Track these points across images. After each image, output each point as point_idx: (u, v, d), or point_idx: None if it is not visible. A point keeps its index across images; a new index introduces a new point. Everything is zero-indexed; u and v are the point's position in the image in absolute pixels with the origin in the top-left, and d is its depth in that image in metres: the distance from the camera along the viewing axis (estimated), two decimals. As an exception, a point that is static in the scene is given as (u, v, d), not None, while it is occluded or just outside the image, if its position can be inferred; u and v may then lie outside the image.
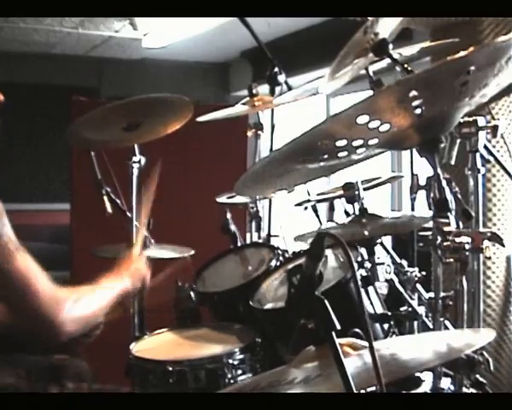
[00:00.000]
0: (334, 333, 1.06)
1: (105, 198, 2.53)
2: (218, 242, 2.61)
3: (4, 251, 1.49)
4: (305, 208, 2.64)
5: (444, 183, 1.36)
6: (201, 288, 2.35)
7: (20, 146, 5.99)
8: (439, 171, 1.35)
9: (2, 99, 1.67)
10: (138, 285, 1.99)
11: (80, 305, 1.64)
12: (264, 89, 2.67)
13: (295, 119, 5.06)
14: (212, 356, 1.92)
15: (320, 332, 1.09)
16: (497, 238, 1.54)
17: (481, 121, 1.74)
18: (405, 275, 2.04)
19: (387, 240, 2.39)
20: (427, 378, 1.77)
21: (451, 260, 1.45)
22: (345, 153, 1.24)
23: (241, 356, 1.92)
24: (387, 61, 1.84)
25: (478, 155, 1.79)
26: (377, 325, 1.97)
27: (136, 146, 2.50)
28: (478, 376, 1.62)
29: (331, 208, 2.62)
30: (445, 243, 1.42)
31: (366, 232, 2.08)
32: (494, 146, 2.18)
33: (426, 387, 1.76)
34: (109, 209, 2.53)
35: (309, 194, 2.65)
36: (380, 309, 1.99)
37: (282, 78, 2.61)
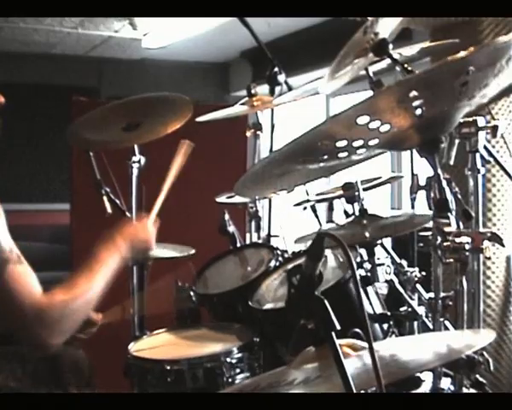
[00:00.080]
0: (333, 333, 1.05)
1: (104, 198, 2.53)
2: (217, 242, 2.61)
3: None
4: (305, 208, 2.63)
5: (444, 183, 1.36)
6: (201, 289, 2.35)
7: (20, 146, 5.98)
8: (439, 171, 1.35)
9: (3, 101, 1.67)
10: (140, 249, 1.92)
11: (70, 309, 1.59)
12: (264, 89, 2.67)
13: (295, 119, 5.06)
14: (210, 355, 1.92)
15: (320, 333, 1.08)
16: (496, 238, 1.54)
17: (481, 121, 1.74)
18: (405, 275, 2.04)
19: (387, 240, 2.39)
20: (427, 379, 1.77)
21: (451, 260, 1.45)
22: (345, 153, 1.24)
23: (239, 355, 1.92)
24: (387, 61, 1.84)
25: (478, 155, 1.79)
26: (377, 326, 1.97)
27: (135, 146, 2.50)
28: (478, 376, 1.62)
29: (330, 208, 2.62)
30: (445, 244, 1.42)
31: (367, 234, 2.08)
32: (494, 146, 2.18)
33: (426, 387, 1.76)
34: (109, 209, 2.53)
35: (308, 194, 2.65)
36: (379, 309, 1.99)
37: (281, 78, 2.61)
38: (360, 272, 2.00)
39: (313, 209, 2.63)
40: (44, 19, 4.90)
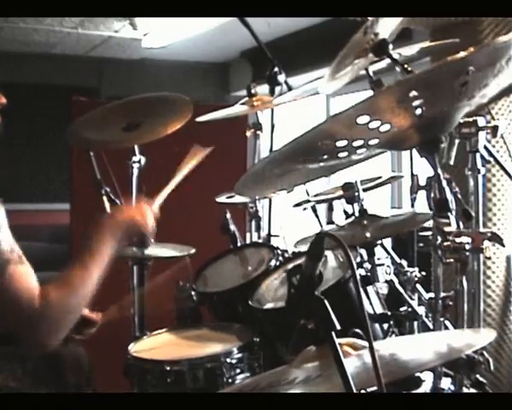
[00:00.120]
0: (333, 333, 1.06)
1: (104, 198, 2.53)
2: (218, 241, 2.61)
3: None
4: (305, 209, 2.63)
5: (444, 183, 1.36)
6: (201, 288, 2.35)
7: (20, 146, 5.98)
8: (439, 171, 1.35)
9: (5, 101, 1.67)
10: (136, 234, 1.85)
11: (67, 307, 1.58)
12: (264, 89, 2.67)
13: (295, 119, 5.06)
14: (210, 355, 1.92)
15: (320, 332, 1.09)
16: (497, 238, 1.54)
17: (481, 121, 1.74)
18: (405, 275, 2.04)
19: (387, 240, 2.39)
20: (428, 378, 1.77)
21: (451, 260, 1.45)
22: (345, 153, 1.24)
23: (239, 355, 1.92)
24: (387, 61, 1.84)
25: (478, 155, 1.79)
26: (377, 326, 1.97)
27: (135, 146, 2.50)
28: (478, 376, 1.62)
29: (330, 209, 2.62)
30: (445, 244, 1.42)
31: (368, 234, 2.08)
32: (494, 146, 2.18)
33: (426, 387, 1.76)
34: (109, 209, 2.53)
35: (308, 194, 2.65)
36: (379, 309, 1.99)
37: (281, 78, 2.61)
38: (360, 272, 2.00)
39: (313, 209, 2.63)
40: (44, 19, 4.91)
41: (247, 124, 2.90)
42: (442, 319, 1.80)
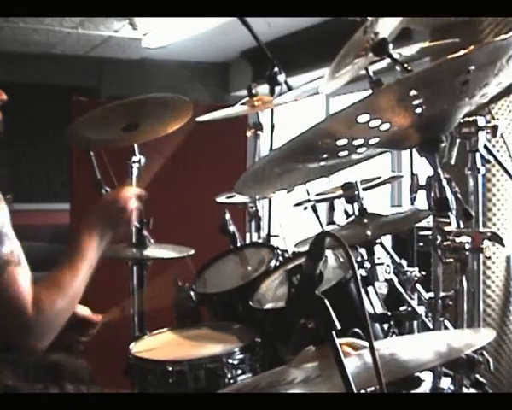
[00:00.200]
0: (334, 333, 1.05)
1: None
2: (218, 242, 2.61)
3: None
4: (305, 208, 2.63)
5: (444, 182, 1.36)
6: (201, 288, 2.35)
7: (20, 146, 5.98)
8: (439, 170, 1.35)
9: (6, 98, 1.67)
10: (116, 221, 1.81)
11: (58, 311, 1.59)
12: (264, 89, 2.67)
13: (295, 119, 5.06)
14: (212, 356, 1.92)
15: (320, 332, 1.08)
16: (497, 238, 1.54)
17: (481, 121, 1.74)
18: (405, 275, 2.04)
19: (387, 240, 2.38)
20: (427, 378, 1.77)
21: (451, 259, 1.45)
22: (345, 152, 1.23)
23: (241, 356, 1.91)
24: (387, 60, 1.84)
25: (478, 154, 1.79)
26: (377, 325, 1.97)
27: (135, 146, 2.50)
28: (478, 376, 1.62)
29: (331, 208, 2.62)
30: (444, 243, 1.42)
31: (368, 232, 2.08)
32: (494, 146, 2.18)
33: (426, 387, 1.76)
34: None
35: (308, 194, 2.64)
36: (379, 309, 1.99)
37: (281, 78, 2.61)
38: (360, 272, 2.00)
39: (314, 209, 2.63)
40: (44, 19, 4.91)
41: (247, 124, 2.90)
42: (442, 319, 1.80)
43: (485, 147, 1.80)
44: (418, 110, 1.16)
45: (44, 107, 6.11)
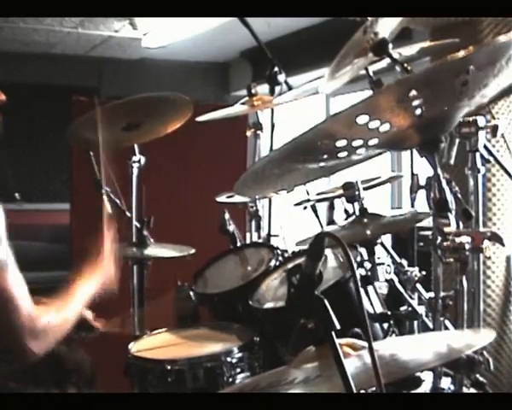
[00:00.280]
0: (333, 333, 1.05)
1: (105, 198, 2.53)
2: (218, 242, 2.61)
3: None
4: (305, 208, 2.63)
5: (444, 183, 1.36)
6: (201, 288, 2.35)
7: (20, 146, 5.98)
8: (439, 171, 1.35)
9: (4, 98, 1.67)
10: (104, 286, 1.93)
11: (50, 329, 1.62)
12: (264, 88, 2.67)
13: (295, 118, 5.06)
14: (211, 355, 1.92)
15: (320, 332, 1.08)
16: (497, 238, 1.54)
17: (481, 121, 1.74)
18: (405, 275, 2.04)
19: (387, 240, 2.38)
20: (428, 378, 1.77)
21: (451, 259, 1.45)
22: (345, 153, 1.23)
23: (240, 355, 1.92)
24: (387, 60, 1.84)
25: (478, 154, 1.79)
26: (377, 325, 1.97)
27: (135, 146, 2.50)
28: (478, 376, 1.62)
29: (331, 208, 2.62)
30: (445, 243, 1.42)
31: (368, 232, 2.08)
32: (494, 146, 2.18)
33: (426, 387, 1.76)
34: (109, 209, 2.53)
35: (308, 193, 2.65)
36: (379, 309, 1.99)
37: (281, 77, 2.61)
38: (360, 272, 2.00)
39: (313, 209, 2.63)
40: (44, 19, 4.90)
41: (247, 124, 2.90)
42: (442, 319, 1.80)
43: (485, 147, 1.80)
44: (418, 111, 1.16)
45: (44, 107, 6.10)
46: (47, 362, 1.97)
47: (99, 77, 6.48)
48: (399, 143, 1.31)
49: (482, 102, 1.27)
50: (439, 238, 1.43)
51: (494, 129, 1.80)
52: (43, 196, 6.18)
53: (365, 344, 1.17)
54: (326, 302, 1.09)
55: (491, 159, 1.86)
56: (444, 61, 1.07)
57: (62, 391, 1.97)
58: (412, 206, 1.99)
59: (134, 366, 1.97)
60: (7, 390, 1.86)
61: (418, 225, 2.11)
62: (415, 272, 2.04)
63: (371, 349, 0.99)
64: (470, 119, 1.72)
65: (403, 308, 1.98)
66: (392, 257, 2.12)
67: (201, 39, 5.43)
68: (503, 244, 1.57)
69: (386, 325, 1.97)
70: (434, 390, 1.75)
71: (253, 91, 2.66)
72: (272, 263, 2.24)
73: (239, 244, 2.57)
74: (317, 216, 2.63)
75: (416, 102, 1.14)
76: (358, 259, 2.02)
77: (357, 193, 2.17)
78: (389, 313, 1.97)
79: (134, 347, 2.06)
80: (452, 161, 1.75)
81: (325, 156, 1.23)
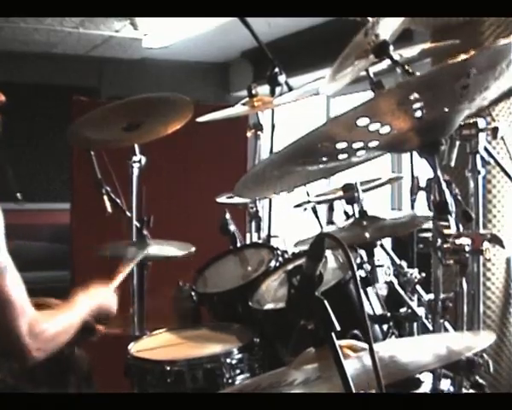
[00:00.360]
0: (333, 334, 1.06)
1: (105, 198, 2.53)
2: (218, 242, 2.61)
3: None
4: (305, 209, 2.63)
5: (444, 185, 1.36)
6: (201, 288, 2.35)
7: (20, 146, 5.98)
8: (439, 173, 1.35)
9: (4, 99, 1.67)
10: (102, 314, 1.94)
11: (50, 334, 1.62)
12: (264, 89, 2.67)
13: (296, 119, 5.06)
14: (210, 356, 1.92)
15: (320, 333, 1.09)
16: (497, 240, 1.54)
17: (481, 123, 1.74)
18: (405, 276, 2.04)
19: (387, 241, 2.38)
20: (427, 379, 1.77)
21: (451, 261, 1.45)
22: (345, 155, 1.24)
23: (240, 356, 1.92)
24: (388, 62, 1.84)
25: (478, 156, 1.79)
26: (377, 327, 1.97)
27: (136, 146, 2.50)
28: (478, 377, 1.62)
29: (331, 209, 2.62)
30: (444, 245, 1.42)
31: (367, 234, 2.08)
32: (494, 148, 2.18)
33: (425, 388, 1.76)
34: (109, 209, 2.53)
35: (308, 195, 2.65)
36: (379, 311, 1.99)
37: (282, 78, 2.61)
38: (360, 273, 2.00)
39: (313, 210, 2.63)
40: (45, 19, 4.90)
41: (247, 124, 2.90)
42: (442, 321, 1.80)
43: (486, 149, 1.81)
44: (418, 114, 1.16)
45: (44, 107, 6.10)
46: (44, 361, 1.98)
47: (99, 77, 6.48)
48: (400, 146, 1.31)
49: (482, 105, 1.27)
50: (439, 240, 1.43)
51: (494, 131, 1.80)
52: (44, 196, 6.18)
53: (365, 346, 1.18)
54: (326, 303, 1.09)
55: (492, 161, 1.86)
56: (444, 65, 1.07)
57: (60, 389, 1.97)
58: (412, 208, 1.99)
59: (134, 366, 1.97)
60: (6, 389, 1.87)
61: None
62: (414, 273, 2.04)
63: (371, 351, 0.99)
64: (471, 121, 1.73)
65: (402, 310, 1.99)
66: (391, 259, 2.12)
67: (202, 39, 5.44)
68: (503, 246, 1.57)
69: (385, 327, 1.98)
70: (434, 391, 1.75)
71: (253, 92, 2.66)
72: (272, 264, 2.24)
73: (239, 245, 2.57)
74: (317, 217, 2.63)
75: (416, 105, 1.14)
76: (358, 260, 2.02)
77: (356, 195, 2.17)
78: (389, 314, 1.98)
79: (134, 347, 2.06)
80: (453, 163, 1.75)
81: (325, 159, 1.23)
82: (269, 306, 2.03)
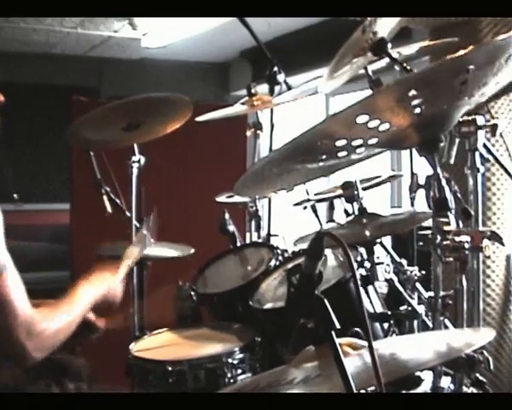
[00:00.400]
0: (333, 333, 1.06)
1: (105, 198, 2.53)
2: (218, 241, 2.62)
3: None
4: (305, 208, 2.63)
5: (443, 182, 1.36)
6: (201, 288, 2.35)
7: (20, 146, 5.98)
8: (438, 170, 1.35)
9: (3, 100, 1.67)
10: (105, 304, 1.91)
11: (50, 333, 1.61)
12: (263, 88, 2.67)
13: (295, 118, 5.06)
14: (212, 356, 1.92)
15: (320, 332, 1.09)
16: (496, 237, 1.54)
17: (480, 120, 1.74)
18: (405, 274, 2.04)
19: (387, 239, 2.38)
20: (428, 377, 1.77)
21: (451, 259, 1.45)
22: (344, 153, 1.23)
23: (241, 355, 1.92)
24: (386, 60, 1.84)
25: (477, 153, 1.79)
26: (377, 325, 1.97)
27: (135, 146, 2.50)
28: (478, 375, 1.62)
29: (331, 207, 2.62)
30: (444, 242, 1.42)
31: (367, 232, 2.08)
32: (493, 145, 2.18)
33: (426, 386, 1.76)
34: (109, 209, 2.53)
35: (308, 193, 2.65)
36: (379, 308, 1.99)
37: (281, 77, 2.61)
38: (361, 272, 2.00)
39: (313, 209, 2.63)
40: (44, 19, 4.90)
41: (246, 123, 2.90)
42: (442, 318, 1.80)
43: (485, 146, 1.80)
44: (417, 110, 1.16)
45: (44, 107, 6.10)
46: (44, 369, 1.98)
47: (99, 77, 6.48)
48: (399, 143, 1.31)
49: (481, 101, 1.27)
50: (439, 237, 1.43)
51: (493, 128, 1.80)
52: (44, 196, 6.18)
53: (365, 344, 1.18)
54: (326, 302, 1.09)
55: (491, 158, 1.86)
56: (443, 61, 1.07)
57: (58, 388, 1.97)
58: (412, 205, 1.99)
59: (135, 366, 1.97)
60: (6, 389, 1.87)
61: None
62: (414, 271, 2.04)
63: (371, 349, 0.99)
64: (470, 118, 1.73)
65: (402, 308, 1.99)
66: (391, 257, 2.12)
67: (201, 39, 5.43)
68: (502, 243, 1.57)
69: (386, 325, 1.98)
70: (434, 390, 1.75)
71: (252, 91, 2.66)
72: (272, 263, 2.24)
73: (239, 244, 2.57)
74: (317, 216, 2.63)
75: (415, 102, 1.14)
76: (358, 259, 2.02)
77: (356, 192, 2.17)
78: (389, 312, 1.98)
79: (135, 347, 2.06)
80: (452, 161, 1.75)
81: (324, 156, 1.23)
82: (269, 305, 2.03)
